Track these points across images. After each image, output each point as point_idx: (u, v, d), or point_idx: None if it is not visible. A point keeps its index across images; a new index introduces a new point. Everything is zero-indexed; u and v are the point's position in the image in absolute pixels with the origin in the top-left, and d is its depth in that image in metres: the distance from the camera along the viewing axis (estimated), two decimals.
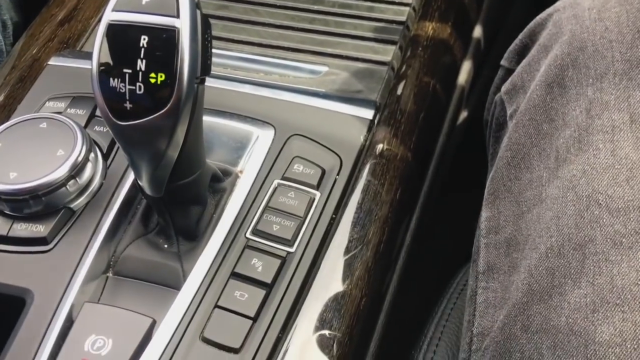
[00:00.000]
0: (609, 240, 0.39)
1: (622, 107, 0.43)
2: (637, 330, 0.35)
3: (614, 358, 0.35)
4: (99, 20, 0.71)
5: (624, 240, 0.38)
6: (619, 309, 0.36)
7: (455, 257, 0.65)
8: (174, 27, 0.43)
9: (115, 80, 0.44)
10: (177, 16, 0.43)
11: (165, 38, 0.43)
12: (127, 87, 0.44)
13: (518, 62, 0.55)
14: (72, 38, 0.70)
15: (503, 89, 0.55)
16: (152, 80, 0.43)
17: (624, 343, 0.35)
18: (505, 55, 0.58)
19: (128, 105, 0.44)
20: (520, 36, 0.56)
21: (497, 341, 0.42)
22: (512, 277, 0.43)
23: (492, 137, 0.56)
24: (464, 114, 0.82)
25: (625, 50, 0.46)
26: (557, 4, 0.54)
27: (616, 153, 0.42)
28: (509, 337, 0.41)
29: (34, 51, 0.68)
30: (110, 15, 0.44)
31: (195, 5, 0.44)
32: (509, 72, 0.56)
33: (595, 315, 0.37)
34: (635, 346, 0.35)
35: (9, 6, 0.91)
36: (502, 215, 0.47)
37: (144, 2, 0.44)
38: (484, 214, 0.50)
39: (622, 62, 0.46)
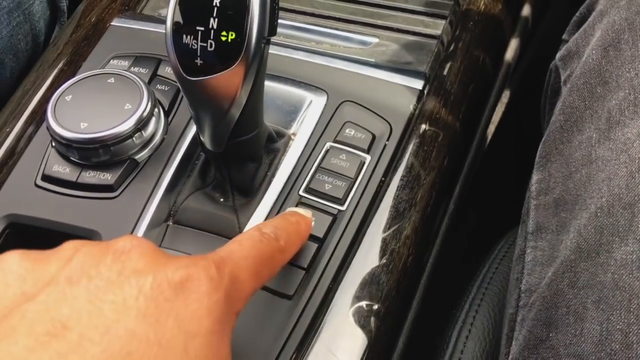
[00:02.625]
0: None
1: None
2: None
3: None
4: None
5: None
6: None
7: (496, 225, 0.67)
8: None
9: (188, 37, 0.46)
10: None
11: None
12: (199, 44, 0.46)
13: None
14: (132, 1, 0.73)
15: (558, 55, 0.56)
16: (223, 39, 0.45)
17: None
18: (567, 28, 0.59)
19: (199, 61, 0.46)
20: (580, 9, 0.57)
21: (544, 296, 0.44)
22: (561, 237, 0.45)
23: (548, 104, 0.58)
24: (506, 92, 0.83)
25: None
26: None
27: None
28: (556, 292, 0.43)
29: (98, 12, 0.70)
30: None
31: None
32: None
33: None
34: None
35: None
36: (553, 177, 0.49)
37: None
38: (535, 176, 0.51)
39: None
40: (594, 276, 0.41)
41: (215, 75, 0.46)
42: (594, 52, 0.50)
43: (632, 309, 0.38)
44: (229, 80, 0.47)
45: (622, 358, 0.38)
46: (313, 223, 0.52)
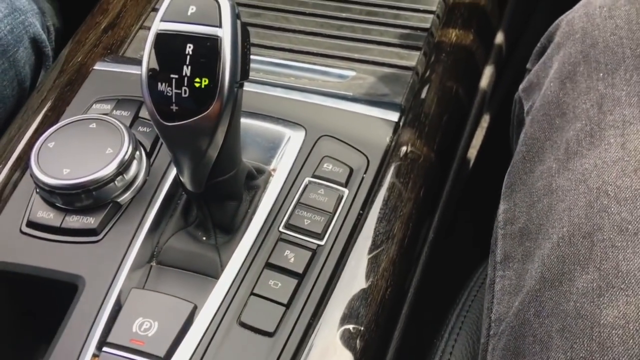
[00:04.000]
0: (615, 227, 0.42)
1: (632, 102, 0.46)
2: (639, 313, 0.38)
3: (617, 339, 0.38)
4: (140, 27, 0.77)
5: (629, 226, 0.41)
6: (623, 293, 0.39)
7: (476, 252, 0.68)
8: (216, 36, 0.46)
9: (163, 84, 0.48)
10: (220, 26, 0.47)
11: (209, 46, 0.47)
12: (174, 90, 0.48)
13: None
14: (115, 44, 0.75)
15: (520, 87, 0.58)
16: (197, 85, 0.47)
17: (627, 325, 0.38)
18: (531, 57, 0.61)
19: (174, 107, 0.48)
20: (541, 39, 0.59)
21: (512, 326, 0.45)
22: (526, 266, 0.47)
23: (515, 134, 0.59)
24: (486, 117, 0.85)
25: (635, 47, 0.49)
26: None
27: (626, 146, 0.45)
28: (523, 322, 0.44)
29: (81, 57, 0.72)
30: (159, 25, 0.48)
31: (235, 16, 0.47)
32: None
33: (601, 299, 0.40)
34: (638, 327, 0.38)
35: (52, 13, 0.96)
36: (517, 207, 0.50)
37: (189, 13, 0.48)
38: (502, 206, 0.53)
39: (632, 58, 0.48)
40: (558, 305, 0.42)
41: (190, 120, 0.48)
42: (552, 84, 0.52)
43: (594, 337, 0.39)
44: (204, 124, 0.48)
45: None
46: (292, 259, 0.53)
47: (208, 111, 0.47)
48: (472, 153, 0.83)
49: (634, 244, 0.41)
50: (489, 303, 0.49)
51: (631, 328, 0.38)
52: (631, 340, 0.38)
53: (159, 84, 0.48)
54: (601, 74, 0.49)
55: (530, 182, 0.50)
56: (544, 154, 0.50)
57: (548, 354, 0.41)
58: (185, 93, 0.47)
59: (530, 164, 0.51)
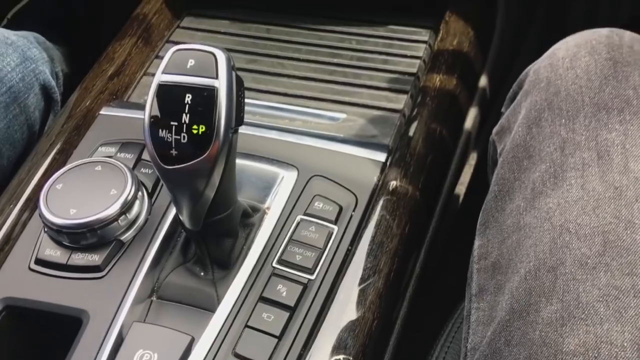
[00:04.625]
0: (576, 262, 0.45)
1: (591, 145, 0.50)
2: (597, 341, 0.41)
3: None
4: (144, 74, 0.82)
5: (589, 261, 0.45)
6: (583, 323, 0.42)
7: (461, 285, 0.71)
8: (213, 87, 0.50)
9: (164, 131, 0.52)
10: (216, 77, 0.51)
11: (206, 96, 0.50)
12: (174, 136, 0.51)
13: None
14: (120, 90, 0.79)
15: (494, 130, 0.62)
16: (195, 131, 0.51)
17: (586, 352, 0.41)
18: (504, 102, 0.65)
19: (174, 152, 0.51)
20: (513, 86, 0.64)
21: (485, 354, 0.48)
22: (498, 298, 0.50)
23: (490, 174, 0.63)
24: (474, 154, 0.88)
25: (593, 95, 0.53)
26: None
27: (585, 187, 0.49)
28: (495, 350, 0.47)
29: (88, 102, 0.77)
30: (160, 77, 0.52)
31: (231, 68, 0.52)
32: None
33: (564, 328, 0.43)
34: (596, 355, 0.41)
35: (61, 59, 1.01)
36: (490, 242, 0.54)
37: (188, 66, 0.52)
38: (476, 242, 0.57)
39: (590, 106, 0.53)
40: (525, 334, 0.45)
41: (189, 163, 0.52)
42: (520, 128, 0.56)
43: None
44: (202, 167, 0.52)
45: None
46: (285, 293, 0.56)
47: (205, 155, 0.51)
48: (461, 189, 0.86)
49: (593, 277, 0.44)
50: (465, 333, 0.52)
51: (590, 355, 0.41)
52: None
53: (160, 130, 0.52)
54: (563, 120, 0.53)
55: (502, 220, 0.54)
56: (514, 193, 0.54)
57: None
58: (184, 139, 0.51)
59: (502, 202, 0.55)
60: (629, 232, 0.45)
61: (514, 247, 0.50)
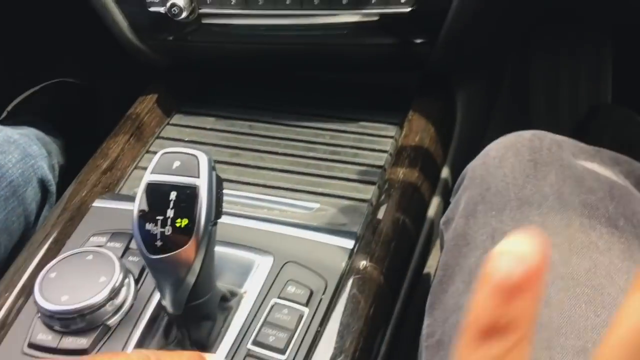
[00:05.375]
0: None
1: None
2: None
3: None
4: (135, 168, 0.89)
5: None
6: None
7: None
8: (195, 185, 0.57)
9: (150, 224, 0.58)
10: (198, 177, 0.58)
11: (189, 193, 0.57)
12: (159, 229, 0.58)
13: None
14: (112, 183, 0.86)
15: (441, 220, 0.70)
16: (178, 224, 0.57)
17: None
18: (452, 193, 0.73)
19: (159, 243, 0.58)
20: (458, 180, 0.72)
21: None
22: None
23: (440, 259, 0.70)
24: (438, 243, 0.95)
25: (517, 191, 0.61)
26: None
27: None
28: None
29: (83, 194, 0.84)
30: (149, 177, 0.59)
31: (212, 168, 0.59)
32: None
33: None
34: None
35: (58, 152, 1.09)
36: (436, 322, 0.60)
37: (174, 167, 0.59)
38: (425, 322, 0.62)
39: (515, 200, 0.60)
40: None
41: (171, 253, 0.58)
42: (460, 219, 0.64)
43: None
44: (183, 256, 0.58)
45: None
46: None
47: (186, 246, 0.57)
48: (430, 271, 0.92)
49: None
50: None
51: None
52: None
53: (147, 223, 0.58)
54: (493, 212, 0.60)
55: (445, 301, 0.60)
56: (455, 277, 0.60)
57: None
58: (168, 231, 0.57)
59: (445, 285, 0.61)
60: (546, 310, 0.51)
61: (455, 325, 0.56)
